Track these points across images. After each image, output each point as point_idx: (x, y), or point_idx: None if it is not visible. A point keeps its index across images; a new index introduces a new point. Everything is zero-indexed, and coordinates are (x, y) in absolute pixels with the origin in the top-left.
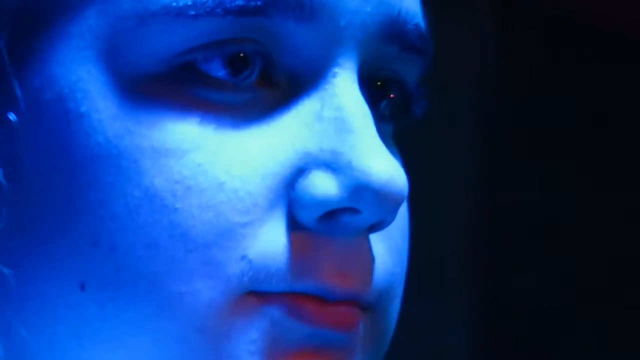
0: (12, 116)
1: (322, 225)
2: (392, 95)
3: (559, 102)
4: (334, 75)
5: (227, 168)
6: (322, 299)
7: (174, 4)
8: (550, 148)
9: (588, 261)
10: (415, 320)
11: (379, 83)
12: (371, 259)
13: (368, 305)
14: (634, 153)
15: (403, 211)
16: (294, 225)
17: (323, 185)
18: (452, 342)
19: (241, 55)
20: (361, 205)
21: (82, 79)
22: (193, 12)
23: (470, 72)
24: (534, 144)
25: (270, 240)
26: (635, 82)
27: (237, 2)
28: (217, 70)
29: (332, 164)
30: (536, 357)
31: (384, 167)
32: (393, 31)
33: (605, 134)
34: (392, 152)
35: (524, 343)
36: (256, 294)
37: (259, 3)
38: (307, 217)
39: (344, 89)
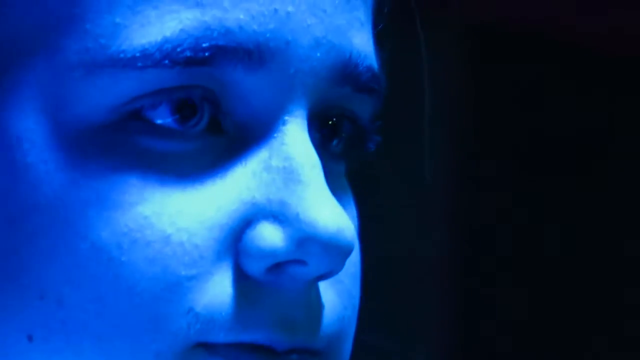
0: None
1: (270, 276)
2: (343, 134)
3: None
4: (284, 123)
5: (174, 220)
6: (271, 349)
7: (122, 55)
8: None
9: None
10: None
11: (330, 122)
12: (320, 306)
13: (318, 351)
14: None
15: (354, 252)
16: (241, 276)
17: (270, 237)
18: None
19: (189, 102)
20: (308, 258)
21: (29, 129)
22: (140, 64)
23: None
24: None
25: (217, 292)
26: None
27: (184, 54)
28: (165, 116)
29: (279, 215)
30: None
31: (331, 219)
32: (345, 74)
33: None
34: (343, 193)
35: None
36: (204, 345)
37: (206, 54)
38: (254, 268)
39: (293, 137)
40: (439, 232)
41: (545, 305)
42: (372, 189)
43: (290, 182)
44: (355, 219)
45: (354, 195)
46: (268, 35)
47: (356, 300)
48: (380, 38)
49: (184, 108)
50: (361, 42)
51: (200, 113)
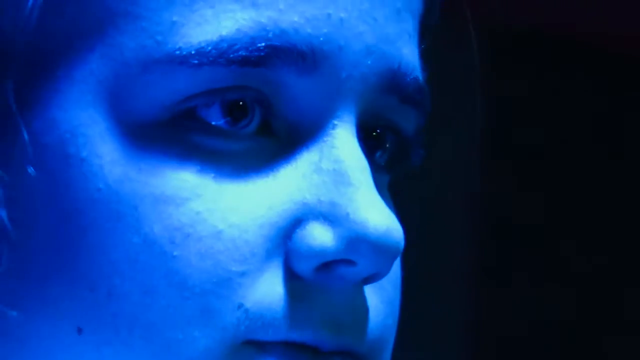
0: (27, 166)
1: (318, 276)
2: (387, 146)
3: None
4: (333, 127)
5: (226, 217)
6: (316, 349)
7: (177, 52)
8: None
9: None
10: None
11: (374, 133)
12: (365, 310)
13: (360, 356)
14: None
15: (396, 262)
16: (290, 275)
17: (320, 237)
18: None
19: (241, 103)
20: (357, 257)
21: (83, 123)
22: (196, 61)
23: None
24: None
25: (267, 290)
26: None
27: (239, 53)
28: (217, 117)
29: (329, 216)
30: None
31: (381, 219)
32: (392, 84)
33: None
34: (387, 203)
35: None
36: (252, 342)
37: (261, 54)
38: (304, 267)
39: (342, 141)
40: (462, 239)
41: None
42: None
43: (341, 184)
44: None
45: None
46: (322, 39)
47: (397, 310)
48: (426, 53)
49: (236, 109)
50: (409, 53)
51: (251, 115)
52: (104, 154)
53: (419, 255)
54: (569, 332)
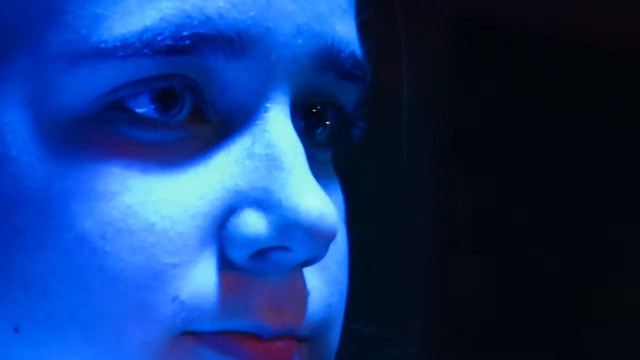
0: None
1: (254, 264)
2: (327, 122)
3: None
4: (266, 111)
5: (157, 209)
6: (257, 336)
7: (102, 45)
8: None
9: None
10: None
11: (314, 110)
12: (305, 293)
13: (305, 338)
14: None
15: (341, 239)
16: (225, 264)
17: (253, 224)
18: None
19: (170, 91)
20: (291, 243)
21: (12, 121)
22: (121, 53)
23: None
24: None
25: (202, 280)
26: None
27: (165, 42)
28: (146, 106)
29: (262, 202)
30: None
31: (313, 204)
32: (328, 61)
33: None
34: (329, 180)
35: None
36: (191, 334)
37: (187, 42)
38: (239, 255)
39: (275, 124)
40: (423, 220)
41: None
42: (358, 179)
43: (273, 169)
44: (342, 206)
45: (343, 185)
46: (249, 22)
47: (344, 287)
48: (364, 27)
49: (165, 97)
50: (343, 29)
51: (181, 102)
52: (33, 151)
53: (384, 232)
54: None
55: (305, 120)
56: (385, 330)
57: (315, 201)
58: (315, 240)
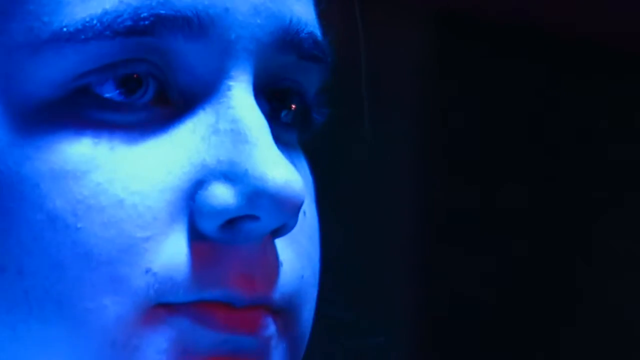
0: None
1: (224, 234)
2: (293, 107)
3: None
4: (229, 89)
5: (126, 185)
6: (231, 305)
7: (64, 29)
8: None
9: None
10: (343, 325)
11: (278, 94)
12: (277, 263)
13: (279, 309)
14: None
15: (311, 216)
16: (196, 236)
17: (221, 195)
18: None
19: (134, 76)
20: (259, 212)
21: None
22: (82, 37)
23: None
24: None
25: (174, 252)
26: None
27: (125, 24)
28: (111, 91)
29: (229, 174)
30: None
31: (279, 173)
32: (287, 41)
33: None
34: (297, 159)
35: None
36: (164, 305)
37: (146, 23)
38: (209, 226)
39: (238, 100)
40: (404, 209)
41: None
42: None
43: (239, 142)
44: (311, 184)
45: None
46: (206, 2)
47: (315, 263)
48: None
49: (129, 82)
50: (301, 9)
51: (145, 86)
52: (2, 137)
53: (368, 216)
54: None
55: (270, 103)
56: (362, 319)
57: (281, 169)
58: (283, 207)
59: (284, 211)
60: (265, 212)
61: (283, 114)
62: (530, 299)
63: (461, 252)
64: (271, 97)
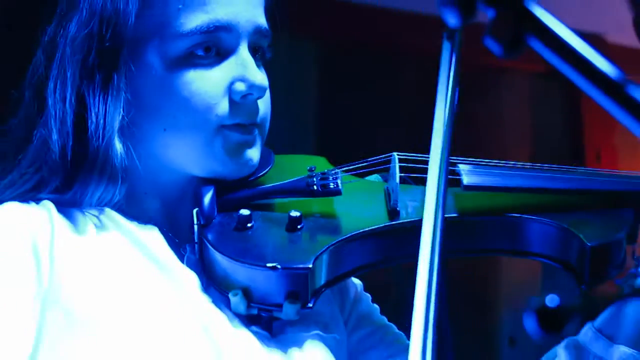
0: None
1: (242, 100)
2: (260, 53)
3: None
4: (239, 49)
5: (206, 84)
6: (243, 125)
7: (184, 31)
8: None
9: None
10: None
11: (256, 48)
12: (259, 109)
13: (258, 125)
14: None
15: (267, 93)
16: (231, 101)
17: (240, 86)
18: None
19: (208, 47)
20: (252, 90)
21: (151, 60)
22: (192, 33)
23: None
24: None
25: (224, 107)
26: None
27: (207, 28)
28: (201, 52)
29: (242, 79)
30: None
31: (259, 78)
32: (259, 30)
33: None
34: (264, 72)
35: None
36: (223, 126)
37: (212, 28)
38: (236, 97)
39: (244, 53)
40: None
41: None
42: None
43: (245, 67)
44: (266, 81)
45: None
46: (231, 17)
47: (269, 108)
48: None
49: (208, 50)
50: (262, 16)
51: (213, 50)
52: (158, 69)
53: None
54: None
55: (253, 53)
56: None
57: (259, 76)
58: (260, 89)
59: (261, 91)
60: (255, 91)
61: (257, 55)
62: None
63: None
64: (253, 49)
